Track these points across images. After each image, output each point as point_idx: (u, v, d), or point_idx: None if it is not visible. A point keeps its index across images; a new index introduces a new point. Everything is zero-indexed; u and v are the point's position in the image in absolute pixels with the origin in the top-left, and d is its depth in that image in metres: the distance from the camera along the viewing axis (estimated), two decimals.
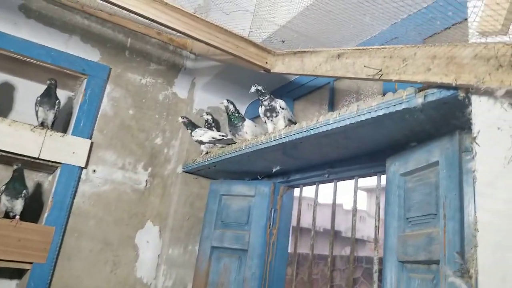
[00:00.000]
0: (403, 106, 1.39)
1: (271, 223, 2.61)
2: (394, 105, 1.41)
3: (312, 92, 2.71)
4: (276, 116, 2.23)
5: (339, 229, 14.27)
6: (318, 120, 1.72)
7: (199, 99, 3.33)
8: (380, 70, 1.38)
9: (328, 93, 2.54)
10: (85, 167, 2.91)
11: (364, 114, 1.51)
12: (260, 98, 2.28)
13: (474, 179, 1.12)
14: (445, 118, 1.43)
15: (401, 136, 1.67)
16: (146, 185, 3.15)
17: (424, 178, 1.56)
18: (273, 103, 2.25)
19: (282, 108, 2.24)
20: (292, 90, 2.83)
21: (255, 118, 3.21)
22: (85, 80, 3.02)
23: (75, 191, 2.85)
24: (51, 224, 2.68)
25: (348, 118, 1.58)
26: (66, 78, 3.03)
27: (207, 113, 3.19)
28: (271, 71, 2.11)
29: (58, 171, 2.81)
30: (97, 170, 2.97)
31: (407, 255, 1.55)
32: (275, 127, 2.24)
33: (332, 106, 2.47)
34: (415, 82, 1.30)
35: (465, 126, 1.39)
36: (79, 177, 2.88)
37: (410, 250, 1.53)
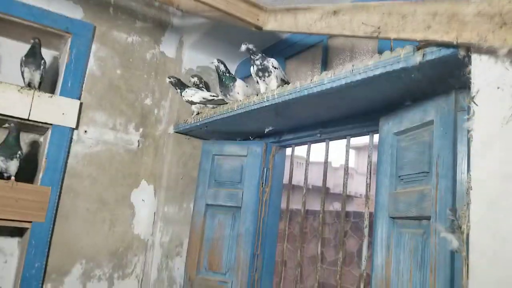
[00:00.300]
0: (401, 65, 1.38)
1: (264, 182, 2.68)
2: (392, 64, 1.41)
3: (305, 51, 2.69)
4: (269, 75, 2.22)
5: (327, 185, 14.62)
6: (312, 80, 1.72)
7: (188, 58, 3.28)
8: (379, 28, 1.37)
9: (321, 51, 2.52)
10: (76, 128, 2.90)
11: (360, 73, 1.51)
12: (252, 57, 2.25)
13: (470, 138, 1.15)
14: (441, 77, 1.44)
15: (396, 95, 1.69)
16: (138, 146, 3.16)
17: (418, 137, 1.60)
18: (265, 62, 2.22)
19: (275, 68, 2.23)
20: (284, 49, 2.81)
21: (246, 77, 3.20)
22: (70, 39, 2.93)
23: (68, 152, 2.85)
24: (47, 184, 2.71)
25: (344, 78, 1.58)
26: (50, 37, 2.94)
27: (193, 76, 3.15)
28: (263, 28, 2.07)
29: (49, 132, 2.80)
30: (88, 131, 2.97)
31: (398, 211, 1.62)
32: (268, 87, 2.23)
33: (325, 65, 2.47)
34: (414, 40, 1.29)
35: (462, 85, 1.41)
36: (71, 138, 2.87)
37: (402, 207, 1.60)
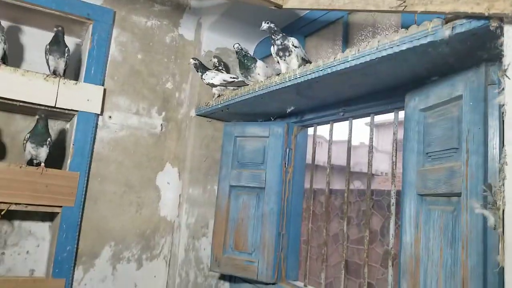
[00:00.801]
0: (429, 39, 1.34)
1: (287, 162, 2.69)
2: (419, 39, 1.37)
3: (325, 28, 2.64)
4: (289, 55, 2.19)
5: (344, 164, 14.53)
6: (336, 58, 1.69)
7: (207, 40, 3.27)
8: (404, 1, 1.33)
9: (342, 28, 2.48)
10: (101, 114, 2.95)
11: (386, 49, 1.47)
12: (273, 37, 2.23)
13: (503, 112, 1.12)
14: (470, 51, 1.39)
15: (422, 70, 1.65)
16: (161, 129, 3.20)
17: (446, 112, 1.56)
18: (285, 41, 2.20)
19: (295, 47, 2.20)
20: (303, 27, 2.76)
21: (264, 58, 3.18)
22: (91, 26, 2.96)
23: (94, 138, 2.91)
24: (75, 170, 2.78)
25: (368, 54, 1.54)
26: (72, 24, 2.98)
27: (215, 56, 3.15)
28: (283, 6, 2.04)
29: (75, 119, 2.86)
30: (113, 116, 3.02)
31: (426, 188, 1.60)
32: (288, 66, 2.21)
33: (346, 42, 2.43)
34: (442, 13, 1.24)
35: (493, 58, 1.37)
36: (96, 124, 2.93)
37: (430, 184, 1.58)
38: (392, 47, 1.45)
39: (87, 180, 2.86)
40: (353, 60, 1.61)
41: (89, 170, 2.88)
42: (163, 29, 3.27)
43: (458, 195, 1.45)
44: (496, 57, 1.34)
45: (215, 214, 2.93)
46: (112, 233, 2.96)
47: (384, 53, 1.49)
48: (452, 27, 1.27)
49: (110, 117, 3.01)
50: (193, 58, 2.97)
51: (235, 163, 2.88)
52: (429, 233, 1.59)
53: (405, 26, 2.00)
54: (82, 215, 2.82)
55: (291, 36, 2.28)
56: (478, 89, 1.40)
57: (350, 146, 2.36)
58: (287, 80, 2.03)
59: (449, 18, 1.29)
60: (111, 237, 2.95)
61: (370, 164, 2.19)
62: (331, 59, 1.72)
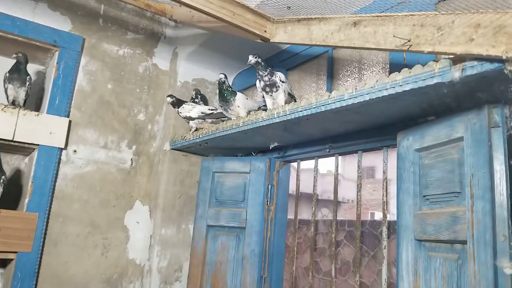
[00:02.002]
0: (435, 80, 1.26)
1: (269, 200, 2.53)
2: (424, 79, 1.29)
3: (308, 62, 2.56)
4: (277, 90, 2.08)
5: (318, 191, 14.58)
6: (330, 96, 1.59)
7: (184, 70, 3.13)
8: (409, 40, 1.25)
9: (326, 62, 2.40)
10: (65, 148, 2.71)
11: (386, 89, 1.38)
12: (260, 72, 2.11)
13: None
14: (470, 92, 1.33)
15: (416, 109, 1.57)
16: (131, 164, 2.98)
17: (445, 154, 1.48)
18: (273, 77, 2.09)
19: (282, 82, 2.09)
20: (285, 60, 2.68)
21: (243, 90, 3.07)
22: (57, 53, 2.76)
23: (56, 174, 2.66)
24: (34, 210, 2.51)
25: (367, 94, 1.45)
26: (35, 50, 2.76)
27: (194, 88, 3.00)
28: (271, 40, 1.94)
29: (35, 154, 2.60)
30: (78, 150, 2.78)
31: (426, 233, 1.50)
32: (275, 102, 2.10)
33: (331, 77, 2.35)
34: (453, 54, 1.17)
35: (495, 100, 1.31)
36: (59, 159, 2.68)
37: (430, 229, 1.48)
38: (394, 87, 1.36)
39: (47, 222, 2.59)
40: (349, 98, 1.51)
41: (49, 210, 2.61)
42: (136, 58, 3.10)
43: (463, 242, 1.35)
44: (499, 99, 1.27)
45: (190, 256, 2.71)
46: (74, 279, 2.67)
47: (385, 93, 1.39)
48: (462, 69, 1.19)
49: (75, 151, 2.77)
50: (169, 96, 2.81)
51: (213, 201, 2.69)
52: (430, 281, 1.48)
53: (394, 64, 1.96)
54: (40, 261, 2.53)
55: (276, 70, 2.17)
56: (480, 131, 1.33)
57: (337, 182, 2.24)
58: (275, 116, 1.90)
59: (454, 58, 1.21)
60: (73, 284, 2.66)
61: (358, 202, 2.07)
62: (324, 96, 1.61)
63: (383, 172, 1.95)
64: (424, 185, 1.57)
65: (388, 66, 2.01)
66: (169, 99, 2.79)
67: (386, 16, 1.38)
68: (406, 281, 1.55)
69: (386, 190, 1.94)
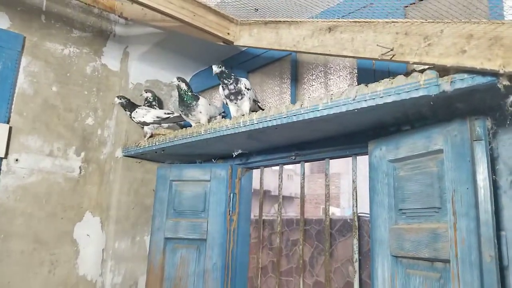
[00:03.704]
0: (421, 93, 1.19)
1: (231, 209, 2.42)
2: (408, 91, 1.21)
3: (270, 64, 2.47)
4: (242, 98, 1.97)
5: (268, 188, 14.61)
6: (302, 106, 1.49)
7: (136, 71, 2.93)
8: (392, 49, 1.18)
9: (290, 66, 2.32)
10: (5, 157, 2.46)
11: (366, 100, 1.30)
12: (224, 81, 1.99)
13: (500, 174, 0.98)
14: (449, 102, 1.28)
15: (390, 118, 1.52)
16: (80, 172, 2.76)
17: (422, 166, 1.43)
18: (239, 84, 1.98)
19: (248, 89, 1.99)
20: (246, 62, 2.57)
21: (200, 92, 2.94)
22: None
23: None
24: None
25: (344, 105, 1.37)
26: None
27: (147, 91, 2.82)
28: (235, 43, 1.83)
29: None
30: (20, 159, 2.53)
31: (403, 250, 1.45)
32: (239, 109, 1.99)
33: (295, 81, 2.27)
34: (443, 66, 1.10)
35: (476, 111, 1.26)
36: None
37: (408, 246, 1.43)
38: (374, 98, 1.28)
39: None
40: (324, 109, 1.42)
41: None
42: (83, 58, 2.87)
43: (445, 261, 1.30)
44: (481, 111, 1.24)
45: (147, 272, 2.55)
46: None
47: (364, 105, 1.31)
48: (451, 82, 1.12)
49: (17, 160, 2.52)
50: (118, 97, 2.61)
51: (171, 211, 2.55)
52: None
53: (362, 69, 1.91)
54: None
55: (235, 72, 2.06)
56: (462, 144, 1.28)
57: (304, 192, 2.17)
58: (241, 125, 1.78)
59: (438, 70, 1.15)
60: None
61: (327, 212, 2.02)
62: (296, 106, 1.52)
63: (353, 181, 1.90)
64: (400, 198, 1.52)
65: (356, 71, 1.96)
66: (117, 100, 2.60)
67: (365, 22, 1.30)
68: None
69: (356, 200, 1.89)
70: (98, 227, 2.77)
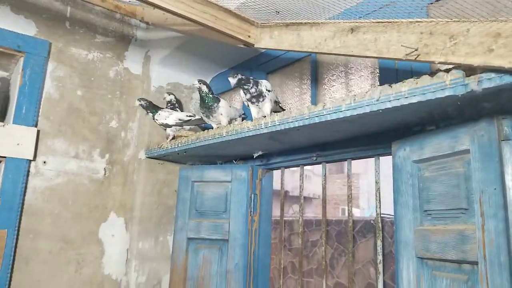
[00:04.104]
0: (447, 93, 1.18)
1: (252, 210, 2.45)
2: (434, 92, 1.21)
3: (290, 65, 2.48)
4: (263, 100, 2.00)
5: (285, 188, 14.62)
6: (325, 107, 1.51)
7: (158, 74, 2.99)
8: (416, 49, 1.18)
9: (310, 66, 2.33)
10: (34, 159, 2.54)
11: (390, 101, 1.30)
12: (244, 87, 2.02)
13: None
14: (475, 102, 1.26)
15: (414, 118, 1.51)
16: (105, 174, 2.83)
17: (448, 167, 1.42)
18: (260, 87, 2.01)
19: (269, 91, 2.01)
20: (265, 63, 2.59)
21: (220, 94, 2.97)
22: (22, 59, 2.58)
23: (25, 187, 2.49)
24: (2, 227, 2.35)
25: (368, 105, 1.37)
26: None
27: (169, 93, 2.87)
28: (256, 45, 1.85)
29: (2, 166, 2.43)
30: (48, 161, 2.61)
31: (429, 251, 1.44)
32: (260, 111, 2.02)
33: (315, 81, 2.28)
34: (469, 66, 1.10)
35: (504, 110, 1.25)
36: (28, 171, 2.51)
37: (434, 247, 1.42)
38: (398, 99, 1.28)
39: (17, 239, 2.42)
40: (347, 110, 1.43)
41: (19, 226, 2.44)
42: (107, 62, 2.94)
43: (473, 263, 1.28)
44: (509, 110, 1.22)
45: (170, 271, 2.59)
46: None
47: (388, 105, 1.31)
48: (479, 81, 1.12)
49: (44, 162, 2.60)
50: (139, 99, 2.68)
51: (193, 212, 2.59)
52: None
53: (384, 68, 1.91)
54: (10, 281, 2.36)
55: (255, 74, 2.08)
56: (489, 144, 1.27)
57: (325, 194, 2.18)
58: (262, 127, 1.81)
59: (464, 68, 1.14)
60: None
61: (350, 214, 2.02)
62: (319, 107, 1.53)
63: (376, 182, 1.89)
64: (425, 199, 1.51)
65: (378, 71, 1.96)
66: (137, 102, 2.67)
67: (389, 22, 1.30)
68: None
69: (380, 201, 1.89)
70: (122, 227, 2.84)
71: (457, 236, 1.34)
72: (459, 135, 1.37)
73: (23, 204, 2.47)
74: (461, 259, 1.33)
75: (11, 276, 2.37)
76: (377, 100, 1.33)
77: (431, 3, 1.67)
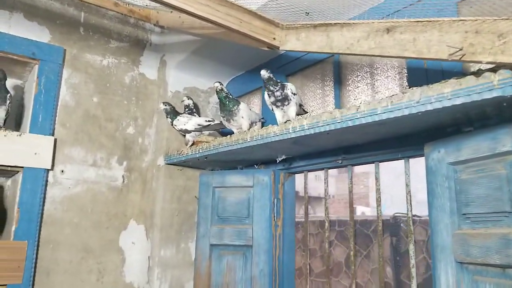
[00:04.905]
0: (494, 94, 1.13)
1: (275, 215, 2.40)
2: (480, 93, 1.16)
3: (311, 67, 2.43)
4: (288, 103, 1.96)
5: (296, 189, 14.56)
6: (359, 110, 1.45)
7: (174, 79, 2.95)
8: (461, 49, 1.12)
9: (332, 67, 2.28)
10: (52, 169, 2.51)
11: (431, 103, 1.25)
12: (271, 88, 1.98)
13: None
14: None
15: (449, 119, 1.46)
16: (123, 181, 2.80)
17: (488, 169, 1.37)
18: (285, 90, 1.96)
19: (294, 94, 1.97)
20: (284, 65, 2.54)
21: (237, 98, 2.93)
22: (37, 66, 2.55)
23: (44, 197, 2.46)
24: (22, 238, 2.32)
25: (407, 108, 1.31)
26: (12, 64, 2.54)
27: (188, 97, 2.83)
28: (281, 48, 1.80)
29: (19, 177, 2.40)
30: (66, 170, 2.58)
31: (469, 256, 1.39)
32: (285, 114, 1.97)
33: (339, 84, 2.23)
34: None
35: None
36: (46, 181, 2.48)
37: (475, 252, 1.37)
38: (441, 101, 1.23)
39: (37, 250, 2.39)
40: (383, 113, 1.38)
41: (39, 237, 2.41)
42: (122, 68, 2.91)
43: None
44: None
45: (194, 278, 2.55)
46: None
47: (429, 107, 1.26)
48: None
49: (62, 171, 2.57)
50: (164, 103, 2.64)
51: (215, 218, 2.54)
52: None
53: (412, 68, 1.85)
54: None
55: (275, 77, 2.04)
56: None
57: (352, 197, 2.12)
58: (290, 131, 1.75)
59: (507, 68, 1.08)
60: None
61: (380, 216, 1.97)
62: (352, 110, 1.48)
63: (406, 185, 1.84)
64: (464, 203, 1.45)
65: (406, 71, 1.90)
66: (162, 106, 2.64)
67: (429, 21, 1.24)
68: None
69: (410, 203, 1.83)
70: (143, 235, 2.80)
71: (501, 240, 1.29)
72: (499, 136, 1.32)
73: (42, 214, 2.44)
74: (505, 264, 1.28)
75: None
76: (417, 102, 1.28)
77: (461, 1, 1.62)
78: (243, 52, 2.62)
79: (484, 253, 1.34)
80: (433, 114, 1.36)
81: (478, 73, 1.15)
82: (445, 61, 1.24)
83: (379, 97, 2.00)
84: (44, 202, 2.46)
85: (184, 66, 2.89)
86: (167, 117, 2.64)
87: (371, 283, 5.92)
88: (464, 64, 1.56)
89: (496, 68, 1.11)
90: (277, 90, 1.96)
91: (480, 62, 1.11)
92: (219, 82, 2.28)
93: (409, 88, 1.41)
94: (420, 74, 1.75)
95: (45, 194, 2.47)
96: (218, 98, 2.31)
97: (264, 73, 1.94)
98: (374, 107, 1.40)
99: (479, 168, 1.40)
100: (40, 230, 2.42)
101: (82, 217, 2.60)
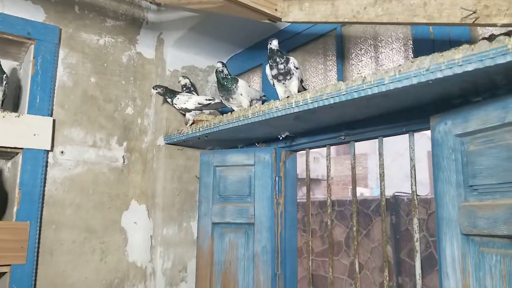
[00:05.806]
0: (509, 58, 1.09)
1: (277, 192, 2.39)
2: (493, 57, 1.12)
3: (312, 42, 2.39)
4: (290, 78, 1.92)
5: None
6: (365, 80, 1.42)
7: (172, 58, 2.90)
8: (474, 12, 1.09)
9: (335, 41, 2.23)
10: (51, 150, 2.49)
11: (441, 70, 1.21)
12: (277, 60, 1.94)
13: None
14: None
15: (456, 90, 1.43)
16: (123, 162, 2.78)
17: (497, 139, 1.35)
18: (289, 64, 1.92)
19: (296, 68, 1.93)
20: (285, 41, 2.49)
21: (237, 75, 2.89)
22: (32, 46, 2.50)
23: (45, 178, 2.45)
24: (24, 219, 2.31)
25: (415, 76, 1.28)
26: (7, 44, 2.49)
27: (184, 77, 2.79)
28: (283, 19, 1.76)
29: (19, 158, 2.38)
30: (65, 151, 2.56)
31: (476, 227, 1.38)
32: (286, 90, 1.94)
33: (342, 58, 2.19)
34: None
35: None
36: (46, 162, 2.46)
37: (482, 223, 1.36)
38: (451, 67, 1.20)
39: (40, 230, 2.39)
40: (391, 83, 1.35)
41: (41, 218, 2.40)
42: (119, 47, 2.86)
43: None
44: None
45: (196, 256, 2.56)
46: (74, 287, 2.49)
47: (439, 75, 1.23)
48: None
49: (62, 152, 2.55)
50: (155, 87, 2.61)
51: (217, 197, 2.54)
52: (484, 280, 1.37)
53: (418, 39, 1.82)
54: (36, 273, 2.34)
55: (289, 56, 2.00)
56: None
57: (355, 174, 2.11)
58: (293, 106, 1.73)
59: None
60: None
61: (383, 192, 1.96)
62: (358, 81, 1.45)
63: (411, 159, 1.82)
64: (471, 174, 1.43)
65: (411, 43, 1.86)
66: (153, 91, 2.60)
67: None
68: (453, 279, 1.43)
69: (415, 178, 1.82)
70: (144, 215, 2.80)
71: (509, 210, 1.28)
72: (510, 105, 1.29)
73: (43, 195, 2.43)
74: None
75: (37, 268, 2.35)
76: (427, 70, 1.25)
77: None
78: (242, 29, 2.57)
79: (492, 224, 1.33)
80: (442, 84, 1.34)
81: (490, 38, 1.12)
82: (457, 25, 1.20)
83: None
84: (45, 183, 2.45)
85: (182, 44, 2.84)
86: (164, 98, 2.61)
87: (371, 261, 5.99)
88: (473, 33, 1.53)
89: (510, 32, 1.08)
90: (281, 63, 1.92)
91: (495, 25, 1.07)
92: (222, 63, 2.24)
93: None
94: (427, 45, 1.72)
95: (45, 175, 2.45)
96: (216, 78, 2.27)
97: (275, 43, 1.91)
98: (381, 77, 1.37)
99: (488, 138, 1.38)
100: (42, 211, 2.41)
101: (84, 198, 2.59)
